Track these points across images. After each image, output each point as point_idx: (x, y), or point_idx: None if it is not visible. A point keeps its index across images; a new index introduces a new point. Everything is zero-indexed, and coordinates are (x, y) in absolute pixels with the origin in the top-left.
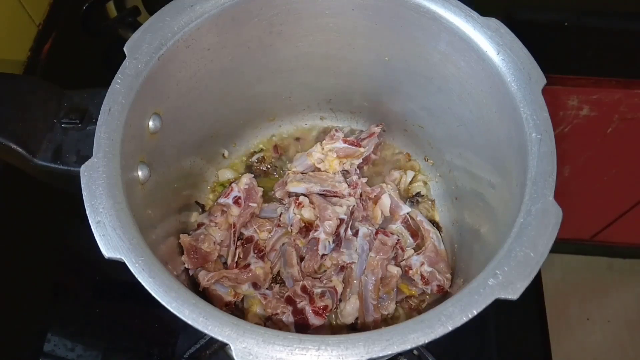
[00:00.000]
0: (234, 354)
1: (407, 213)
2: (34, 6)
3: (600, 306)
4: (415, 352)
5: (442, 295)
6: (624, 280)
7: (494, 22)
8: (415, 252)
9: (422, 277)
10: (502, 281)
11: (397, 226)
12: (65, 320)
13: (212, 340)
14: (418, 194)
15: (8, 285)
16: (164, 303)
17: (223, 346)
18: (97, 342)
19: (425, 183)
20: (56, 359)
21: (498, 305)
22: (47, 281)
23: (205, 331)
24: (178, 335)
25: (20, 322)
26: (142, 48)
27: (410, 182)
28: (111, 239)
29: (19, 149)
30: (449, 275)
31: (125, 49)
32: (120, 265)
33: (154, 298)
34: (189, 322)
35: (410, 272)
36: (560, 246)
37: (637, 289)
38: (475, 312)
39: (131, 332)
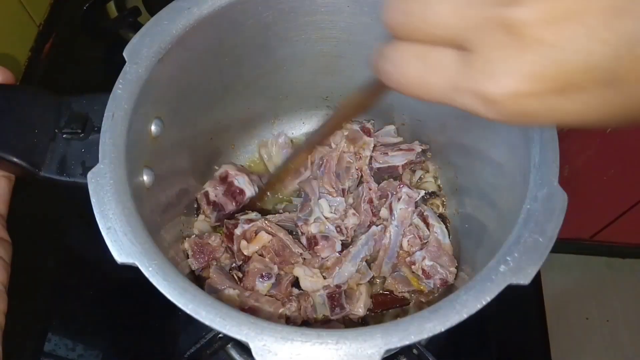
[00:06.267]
0: (253, 353)
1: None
2: (34, 6)
3: (600, 306)
4: (415, 351)
5: (446, 288)
6: (623, 280)
7: None
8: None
9: (423, 271)
10: (513, 267)
11: (414, 219)
12: (66, 319)
13: (213, 340)
14: (433, 193)
15: (9, 285)
16: (180, 305)
17: (223, 346)
18: (98, 342)
19: (435, 179)
20: (57, 358)
21: (497, 305)
22: (48, 281)
23: (224, 331)
24: (178, 335)
25: (21, 321)
26: (141, 52)
27: (421, 180)
28: (123, 244)
29: (24, 164)
30: (453, 269)
31: (124, 54)
32: (121, 266)
33: (155, 299)
34: (207, 322)
35: (413, 267)
36: (560, 246)
37: (637, 288)
38: (488, 299)
39: (132, 332)
